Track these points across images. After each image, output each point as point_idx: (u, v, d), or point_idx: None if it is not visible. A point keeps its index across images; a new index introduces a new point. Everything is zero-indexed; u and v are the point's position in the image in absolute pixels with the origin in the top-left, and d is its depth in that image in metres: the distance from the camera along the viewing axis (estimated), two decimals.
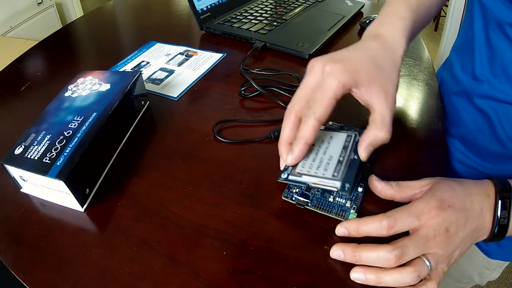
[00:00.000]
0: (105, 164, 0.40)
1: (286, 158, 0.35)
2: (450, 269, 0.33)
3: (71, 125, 0.37)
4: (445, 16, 2.14)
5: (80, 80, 0.44)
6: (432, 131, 0.46)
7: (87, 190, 0.36)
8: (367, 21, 0.69)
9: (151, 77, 0.56)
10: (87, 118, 0.38)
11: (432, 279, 0.30)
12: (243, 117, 0.48)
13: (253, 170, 0.40)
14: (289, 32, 0.67)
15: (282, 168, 0.36)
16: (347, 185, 0.33)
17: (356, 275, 0.30)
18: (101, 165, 0.39)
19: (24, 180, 0.36)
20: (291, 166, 0.36)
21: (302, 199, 0.35)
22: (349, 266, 0.31)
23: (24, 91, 0.53)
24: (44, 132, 0.37)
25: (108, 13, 0.84)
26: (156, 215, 0.35)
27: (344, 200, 0.36)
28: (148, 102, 0.50)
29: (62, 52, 0.64)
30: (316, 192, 0.36)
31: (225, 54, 0.62)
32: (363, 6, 0.80)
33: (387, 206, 0.34)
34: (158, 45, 0.65)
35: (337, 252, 0.31)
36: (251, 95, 0.51)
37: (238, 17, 0.72)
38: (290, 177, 0.35)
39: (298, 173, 0.35)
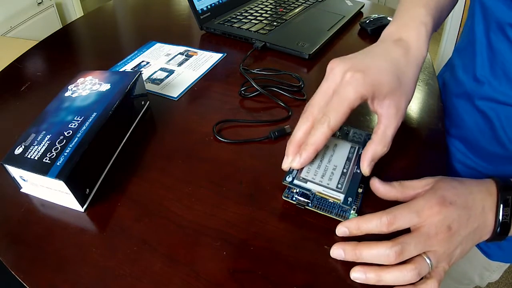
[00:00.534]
0: (105, 164, 0.40)
1: (293, 161, 0.34)
2: (450, 269, 0.33)
3: (71, 125, 0.37)
4: None
5: (80, 80, 0.44)
6: (432, 131, 0.46)
7: (87, 190, 0.36)
8: (367, 21, 0.70)
9: (151, 77, 0.56)
10: (87, 118, 0.38)
11: (432, 277, 0.30)
12: (243, 117, 0.48)
13: (253, 170, 0.40)
14: (289, 32, 0.67)
15: (284, 166, 0.36)
16: (349, 199, 0.34)
17: (356, 274, 0.30)
18: (101, 165, 0.39)
19: (24, 180, 0.36)
20: (296, 170, 0.36)
21: (302, 199, 0.35)
22: (349, 266, 0.31)
23: (24, 91, 0.53)
24: (44, 132, 0.37)
25: (108, 13, 0.84)
26: (156, 215, 0.35)
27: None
28: (148, 102, 0.50)
29: (62, 52, 0.64)
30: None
31: (225, 54, 0.62)
32: (363, 6, 0.80)
33: (387, 206, 0.34)
34: (158, 45, 0.65)
35: (338, 251, 0.31)
36: (251, 95, 0.51)
37: (238, 17, 0.72)
38: (295, 182, 0.35)
39: (304, 178, 0.35)
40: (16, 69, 0.59)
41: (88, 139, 0.36)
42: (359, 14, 0.79)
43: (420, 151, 0.43)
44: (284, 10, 0.75)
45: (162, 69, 0.58)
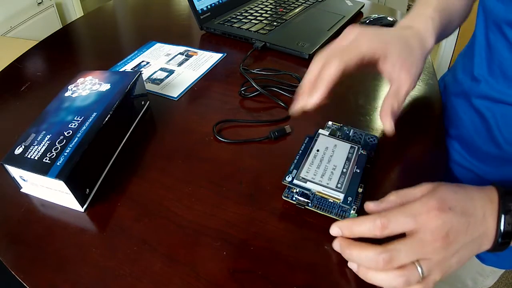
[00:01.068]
0: (105, 164, 0.40)
1: (310, 96, 0.34)
2: None
3: (71, 125, 0.37)
4: None
5: (80, 80, 0.44)
6: (432, 131, 0.46)
7: (87, 190, 0.36)
8: (367, 21, 0.70)
9: (151, 77, 0.56)
10: (87, 118, 0.38)
11: (419, 286, 0.28)
12: (243, 117, 0.48)
13: (253, 170, 0.40)
14: (289, 32, 0.67)
15: (297, 107, 0.35)
16: (349, 199, 0.34)
17: (351, 266, 0.30)
18: (101, 165, 0.39)
19: (24, 180, 0.36)
20: (296, 170, 0.36)
21: (302, 199, 0.35)
22: (349, 265, 0.31)
23: (24, 91, 0.53)
24: (44, 132, 0.37)
25: (108, 13, 0.84)
26: (156, 215, 0.35)
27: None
28: (148, 102, 0.50)
29: (62, 52, 0.64)
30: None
31: (225, 54, 0.62)
32: (363, 6, 0.80)
33: None
34: (158, 45, 0.65)
35: (336, 245, 0.31)
36: (251, 95, 0.51)
37: (238, 17, 0.72)
38: (295, 181, 0.35)
39: (303, 178, 0.36)
40: (16, 69, 0.59)
41: (88, 139, 0.36)
42: (359, 14, 0.79)
43: (420, 151, 0.43)
44: (284, 10, 0.75)
45: (162, 69, 0.58)
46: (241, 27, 0.68)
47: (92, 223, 0.35)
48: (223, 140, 0.43)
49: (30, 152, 0.34)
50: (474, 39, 0.47)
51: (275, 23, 0.69)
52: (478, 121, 0.45)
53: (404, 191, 0.32)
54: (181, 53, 0.62)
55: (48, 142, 0.35)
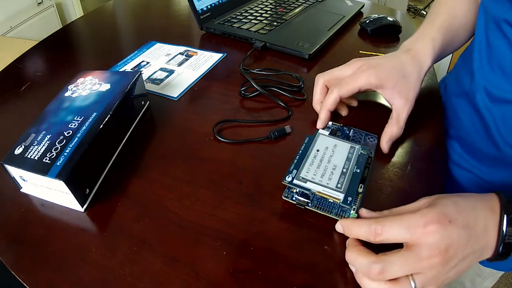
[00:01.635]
0: (105, 164, 0.40)
1: (317, 123, 0.44)
2: None
3: (71, 125, 0.37)
4: None
5: (80, 80, 0.44)
6: (432, 131, 0.46)
7: (87, 190, 0.36)
8: (367, 21, 0.70)
9: (151, 77, 0.56)
10: (87, 118, 0.38)
11: None
12: (243, 117, 0.48)
13: (253, 170, 0.40)
14: (289, 32, 0.67)
15: (319, 126, 0.44)
16: (349, 199, 0.34)
17: (351, 267, 0.31)
18: (101, 165, 0.39)
19: (24, 180, 0.36)
20: (296, 170, 0.36)
21: (302, 199, 0.35)
22: (349, 267, 0.31)
23: (24, 91, 0.53)
24: (44, 132, 0.37)
25: (108, 13, 0.84)
26: (156, 215, 0.35)
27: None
28: (148, 102, 0.50)
29: (62, 52, 0.64)
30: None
31: (225, 54, 0.62)
32: (363, 6, 0.80)
33: (387, 207, 0.34)
34: (158, 45, 0.65)
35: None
36: (251, 95, 0.51)
37: (238, 17, 0.72)
38: (295, 181, 0.35)
39: (303, 178, 0.36)
40: (16, 69, 0.59)
41: (88, 139, 0.36)
42: (359, 14, 0.79)
43: (420, 152, 0.43)
44: (284, 10, 0.75)
45: (162, 69, 0.58)
46: (241, 27, 0.68)
47: (92, 223, 0.35)
48: (223, 140, 0.43)
49: (30, 152, 0.34)
50: (474, 38, 0.47)
51: (275, 23, 0.69)
52: (478, 121, 0.45)
53: (399, 209, 0.32)
54: (181, 53, 0.62)
55: (48, 142, 0.35)
